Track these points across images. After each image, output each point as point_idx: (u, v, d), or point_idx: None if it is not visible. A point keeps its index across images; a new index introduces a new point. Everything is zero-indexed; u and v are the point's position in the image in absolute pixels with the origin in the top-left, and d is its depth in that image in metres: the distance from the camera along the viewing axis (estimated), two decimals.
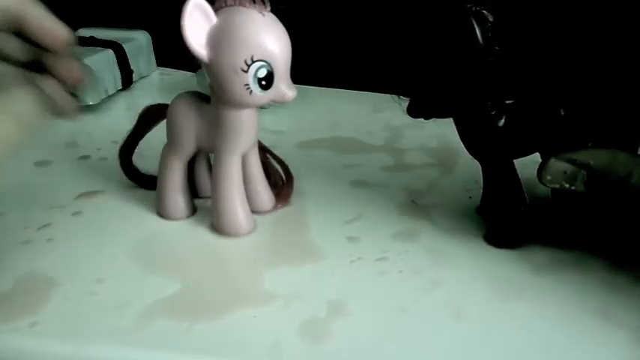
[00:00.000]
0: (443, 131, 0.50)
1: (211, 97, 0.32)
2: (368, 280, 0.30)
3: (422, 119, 0.32)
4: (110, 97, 0.55)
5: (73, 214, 0.35)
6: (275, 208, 0.36)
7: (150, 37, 0.63)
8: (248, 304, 0.28)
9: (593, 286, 0.30)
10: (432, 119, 0.32)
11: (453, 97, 0.31)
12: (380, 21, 0.60)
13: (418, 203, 0.38)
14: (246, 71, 0.29)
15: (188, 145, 0.33)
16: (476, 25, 0.29)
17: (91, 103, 0.50)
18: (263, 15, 0.29)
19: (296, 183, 0.39)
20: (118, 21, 0.64)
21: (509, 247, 0.33)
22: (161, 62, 0.65)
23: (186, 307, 0.28)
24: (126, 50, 0.58)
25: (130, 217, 0.35)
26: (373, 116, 0.53)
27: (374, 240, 0.33)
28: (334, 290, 0.29)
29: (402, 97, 0.35)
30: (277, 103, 0.32)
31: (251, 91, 0.30)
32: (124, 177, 0.39)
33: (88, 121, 0.49)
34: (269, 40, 0.29)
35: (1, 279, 0.29)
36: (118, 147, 0.38)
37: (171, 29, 0.30)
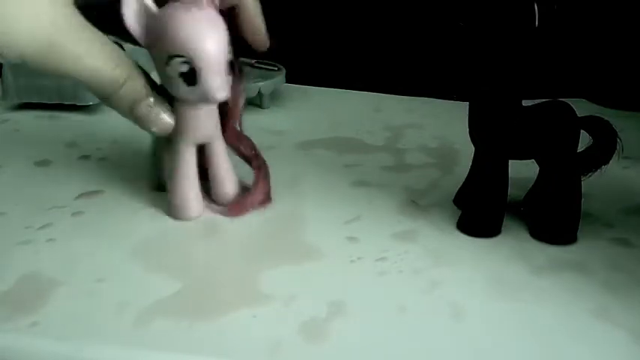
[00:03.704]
0: (443, 131, 0.50)
1: None
2: (368, 280, 0.30)
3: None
4: None
5: (73, 214, 0.35)
6: (228, 213, 0.35)
7: None
8: (248, 304, 0.28)
9: (593, 287, 0.30)
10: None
11: (485, 75, 0.31)
12: (380, 21, 0.60)
13: (418, 203, 0.38)
14: (167, 64, 0.30)
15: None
16: (537, 7, 0.29)
17: (91, 103, 0.50)
18: (198, 10, 0.29)
19: (296, 183, 0.39)
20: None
21: (483, 236, 0.34)
22: None
23: (186, 307, 0.28)
24: (126, 50, 0.57)
25: (130, 217, 0.35)
26: (373, 116, 0.53)
27: (374, 240, 0.33)
28: (334, 290, 0.29)
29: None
30: (206, 102, 0.31)
31: (175, 85, 0.30)
32: (124, 177, 0.39)
33: (88, 121, 0.49)
34: (194, 37, 0.29)
35: (1, 279, 0.29)
36: (118, 147, 0.38)
37: None
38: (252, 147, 0.36)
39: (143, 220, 0.35)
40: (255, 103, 0.53)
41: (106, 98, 0.31)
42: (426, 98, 0.58)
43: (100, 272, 0.30)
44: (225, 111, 0.35)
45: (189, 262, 0.31)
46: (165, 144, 0.34)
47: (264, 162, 0.36)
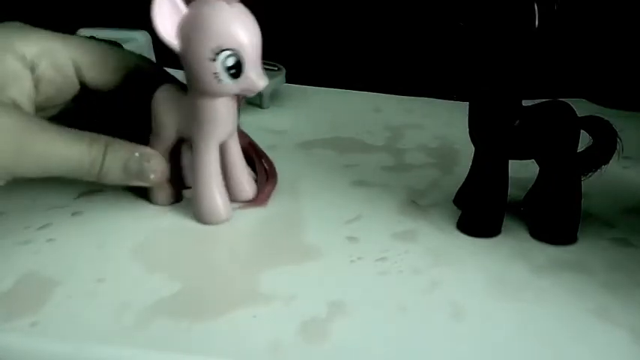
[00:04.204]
0: (443, 131, 0.50)
1: (187, 87, 0.33)
2: (368, 280, 0.30)
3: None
4: None
5: (73, 214, 0.35)
6: (253, 205, 0.37)
7: (150, 37, 0.63)
8: (248, 304, 0.28)
9: (593, 287, 0.30)
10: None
11: (486, 75, 0.31)
12: (380, 21, 0.60)
13: (418, 203, 0.38)
14: (214, 60, 0.30)
15: (168, 136, 0.34)
16: (536, 8, 0.29)
17: None
18: (230, 6, 0.30)
19: (296, 182, 0.39)
20: (118, 21, 0.64)
21: (483, 236, 0.34)
22: (161, 62, 0.65)
23: (186, 307, 0.28)
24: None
25: (130, 217, 0.35)
26: (373, 116, 0.53)
27: (374, 240, 0.33)
28: (334, 290, 0.29)
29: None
30: (248, 93, 0.32)
31: (220, 80, 0.31)
32: None
33: None
34: (236, 30, 0.30)
35: (1, 279, 0.29)
36: None
37: None
38: (252, 142, 0.38)
39: (143, 220, 0.35)
40: (255, 103, 0.53)
41: (96, 177, 0.32)
42: (426, 98, 0.58)
43: (100, 272, 0.30)
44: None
45: (190, 262, 0.31)
46: (187, 150, 0.35)
47: (264, 153, 0.38)
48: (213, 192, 0.34)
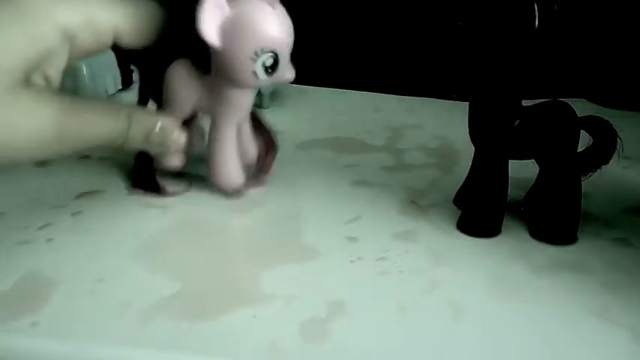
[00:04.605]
0: (443, 131, 0.50)
1: (214, 72, 0.33)
2: (368, 280, 0.30)
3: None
4: (110, 97, 0.55)
5: (73, 214, 0.35)
6: (257, 181, 0.38)
7: None
8: (248, 304, 0.28)
9: (593, 287, 0.30)
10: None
11: (486, 75, 0.31)
12: (380, 21, 0.60)
13: (418, 203, 0.38)
14: (255, 60, 0.31)
15: (184, 110, 0.35)
16: (536, 8, 0.29)
17: None
18: (273, 8, 0.31)
19: (296, 183, 0.39)
20: None
21: (483, 236, 0.34)
22: None
23: (186, 307, 0.28)
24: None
25: (130, 217, 0.35)
26: (373, 116, 0.53)
27: (374, 240, 0.33)
28: (334, 290, 0.29)
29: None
30: (280, 83, 0.34)
31: (257, 76, 0.32)
32: (124, 177, 0.39)
33: None
34: (279, 34, 0.32)
35: (1, 279, 0.29)
36: None
37: None
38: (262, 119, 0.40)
39: (143, 220, 0.35)
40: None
41: (122, 146, 0.32)
42: (426, 98, 0.58)
43: (100, 272, 0.30)
44: None
45: (190, 262, 0.31)
46: (212, 130, 0.36)
47: (264, 123, 0.39)
48: (231, 164, 0.36)
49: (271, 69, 0.32)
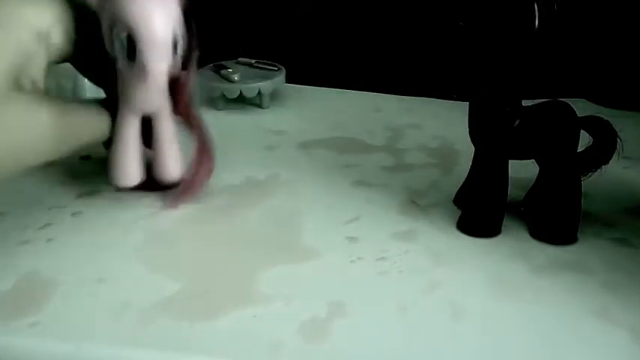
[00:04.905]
0: (443, 132, 0.50)
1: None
2: (368, 280, 0.30)
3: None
4: None
5: (73, 214, 0.35)
6: (181, 197, 0.36)
7: None
8: (248, 304, 0.28)
9: (593, 287, 0.30)
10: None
11: (487, 75, 0.31)
12: (380, 21, 0.60)
13: (418, 203, 0.38)
14: (111, 36, 0.31)
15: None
16: (537, 8, 0.29)
17: None
18: None
19: (296, 183, 0.39)
20: None
21: (483, 236, 0.34)
22: None
23: (186, 307, 0.28)
24: None
25: (130, 217, 0.35)
26: (373, 116, 0.53)
27: (374, 240, 0.33)
28: (334, 290, 0.29)
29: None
30: (142, 80, 0.32)
31: (119, 58, 0.31)
32: None
33: None
34: (137, 12, 0.30)
35: (1, 279, 0.29)
36: None
37: None
38: (201, 123, 0.37)
39: (143, 220, 0.35)
40: (255, 103, 0.53)
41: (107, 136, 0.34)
42: (426, 98, 0.58)
43: (100, 272, 0.30)
44: (177, 86, 0.35)
45: (189, 262, 0.31)
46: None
47: (209, 139, 0.37)
48: (124, 157, 0.35)
49: (129, 52, 0.30)
